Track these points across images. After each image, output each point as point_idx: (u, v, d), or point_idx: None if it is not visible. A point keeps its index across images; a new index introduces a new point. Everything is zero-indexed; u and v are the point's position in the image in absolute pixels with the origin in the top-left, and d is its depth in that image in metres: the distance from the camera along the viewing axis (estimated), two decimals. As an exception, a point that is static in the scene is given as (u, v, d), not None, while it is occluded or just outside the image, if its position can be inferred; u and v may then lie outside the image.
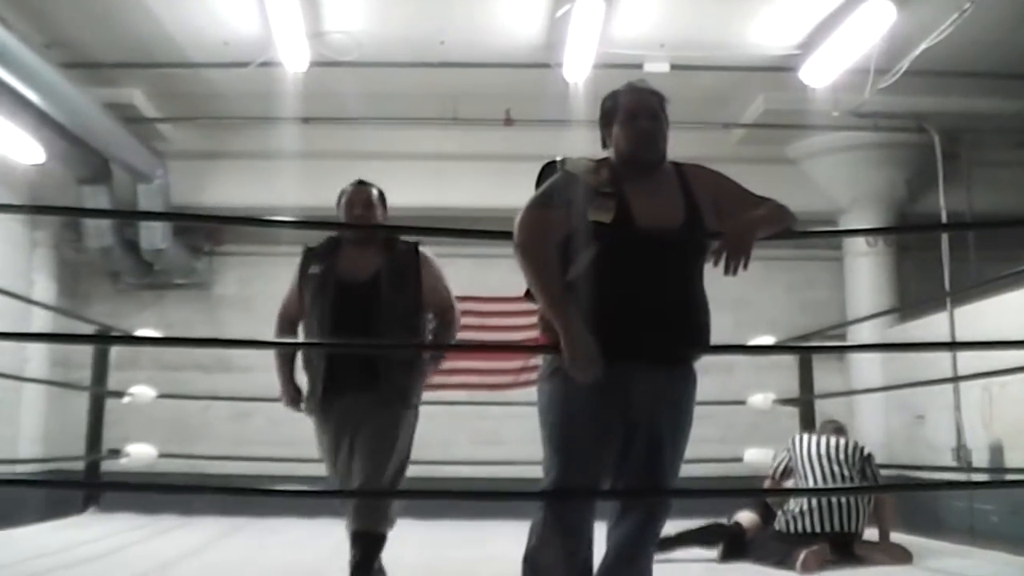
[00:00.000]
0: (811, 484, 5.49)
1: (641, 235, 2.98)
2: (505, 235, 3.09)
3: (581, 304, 2.95)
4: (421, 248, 4.34)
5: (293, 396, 4.31)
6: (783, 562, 5.11)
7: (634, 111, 3.13)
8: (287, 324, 4.40)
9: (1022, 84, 7.85)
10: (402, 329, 4.14)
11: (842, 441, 5.61)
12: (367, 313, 4.06)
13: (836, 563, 5.15)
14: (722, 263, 2.94)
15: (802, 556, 5.02)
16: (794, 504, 5.32)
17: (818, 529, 5.22)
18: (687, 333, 3.06)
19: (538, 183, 3.24)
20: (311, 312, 4.20)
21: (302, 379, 4.33)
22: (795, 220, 3.16)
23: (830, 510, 5.24)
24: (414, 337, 4.25)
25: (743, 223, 3.01)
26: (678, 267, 3.05)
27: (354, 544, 3.97)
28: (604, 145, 3.24)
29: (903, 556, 5.33)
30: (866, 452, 5.58)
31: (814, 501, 5.28)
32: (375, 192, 4.42)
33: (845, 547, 5.27)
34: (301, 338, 4.36)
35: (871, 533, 5.54)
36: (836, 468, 5.42)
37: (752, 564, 5.30)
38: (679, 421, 3.11)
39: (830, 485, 5.44)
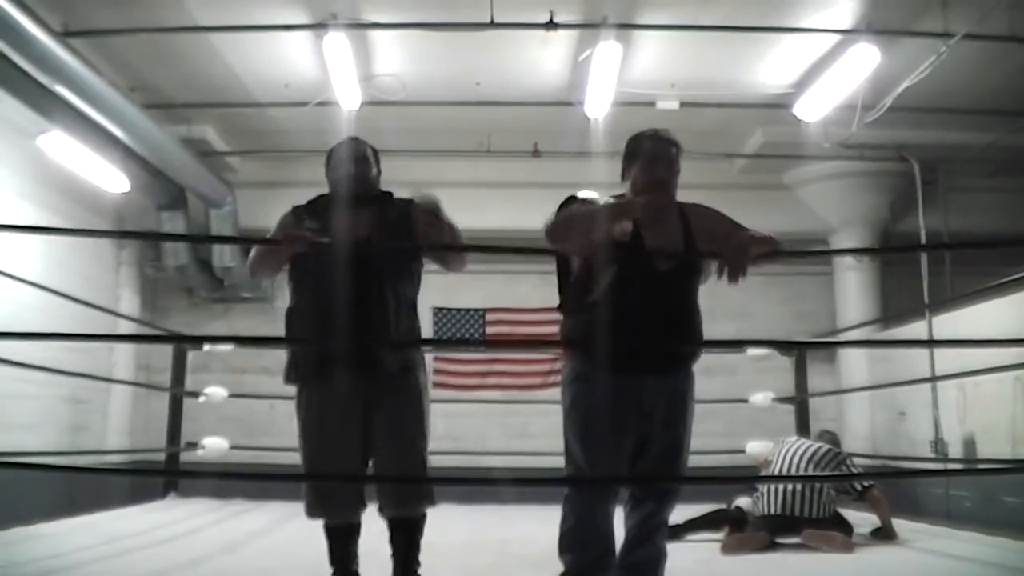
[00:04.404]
0: (773, 473, 5.40)
1: (650, 258, 3.05)
2: (533, 251, 3.13)
3: (602, 321, 2.99)
4: (416, 201, 3.47)
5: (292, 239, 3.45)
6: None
7: (653, 159, 3.16)
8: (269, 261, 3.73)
9: (992, 119, 7.82)
10: (403, 285, 3.42)
11: (820, 447, 5.41)
12: (367, 273, 3.31)
13: (768, 548, 4.94)
14: (725, 275, 2.97)
15: (725, 539, 4.93)
16: (761, 490, 5.21)
17: (766, 511, 5.07)
18: (686, 341, 3.15)
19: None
20: (303, 271, 3.50)
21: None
22: (781, 246, 3.17)
23: (777, 496, 5.07)
24: (412, 292, 3.49)
25: (742, 239, 3.04)
26: (679, 288, 3.13)
27: (399, 530, 3.34)
28: (623, 178, 3.27)
29: (843, 545, 4.92)
30: (841, 458, 5.35)
31: (773, 489, 5.12)
32: (368, 148, 3.74)
33: (789, 530, 5.04)
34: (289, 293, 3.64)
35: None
36: (799, 463, 5.26)
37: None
38: (684, 415, 3.16)
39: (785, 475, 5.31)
